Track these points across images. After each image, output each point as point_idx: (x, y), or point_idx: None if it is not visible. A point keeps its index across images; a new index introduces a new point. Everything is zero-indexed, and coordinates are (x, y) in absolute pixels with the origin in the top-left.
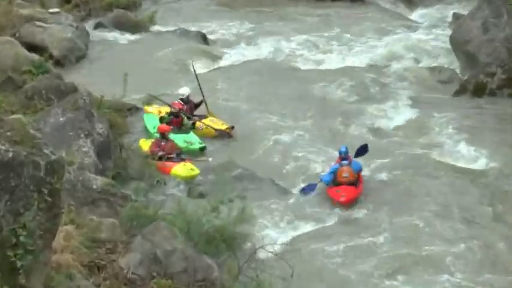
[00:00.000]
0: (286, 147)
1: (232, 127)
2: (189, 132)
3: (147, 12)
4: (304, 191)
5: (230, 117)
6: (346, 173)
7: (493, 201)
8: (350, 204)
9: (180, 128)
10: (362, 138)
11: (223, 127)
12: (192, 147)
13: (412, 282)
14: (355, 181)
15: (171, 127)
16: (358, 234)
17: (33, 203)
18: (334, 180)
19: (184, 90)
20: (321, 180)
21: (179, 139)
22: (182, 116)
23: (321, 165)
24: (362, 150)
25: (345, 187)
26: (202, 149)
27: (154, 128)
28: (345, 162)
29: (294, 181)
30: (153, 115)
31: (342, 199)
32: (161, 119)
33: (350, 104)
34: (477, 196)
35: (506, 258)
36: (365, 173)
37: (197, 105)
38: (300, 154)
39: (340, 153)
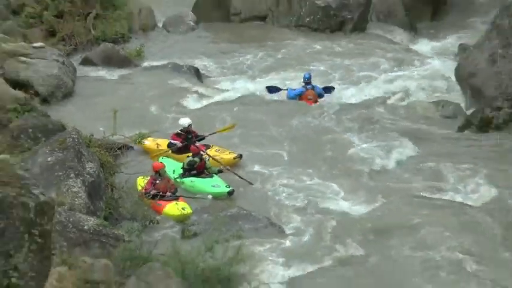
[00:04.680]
0: (281, 183)
1: (241, 156)
2: (212, 176)
3: (136, 45)
4: (270, 91)
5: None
6: (310, 96)
7: (503, 239)
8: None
9: (202, 172)
10: (363, 177)
11: (231, 156)
12: (218, 191)
13: None
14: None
15: (164, 164)
16: (358, 276)
17: (23, 244)
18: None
19: (185, 120)
20: (288, 95)
21: (205, 184)
22: (205, 160)
23: (320, 201)
24: (328, 90)
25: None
26: (230, 193)
27: (174, 172)
28: (309, 86)
29: (291, 219)
30: (169, 159)
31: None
32: (188, 164)
33: (349, 140)
34: (484, 234)
35: None
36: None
37: (199, 138)
38: (297, 193)
39: (304, 78)
